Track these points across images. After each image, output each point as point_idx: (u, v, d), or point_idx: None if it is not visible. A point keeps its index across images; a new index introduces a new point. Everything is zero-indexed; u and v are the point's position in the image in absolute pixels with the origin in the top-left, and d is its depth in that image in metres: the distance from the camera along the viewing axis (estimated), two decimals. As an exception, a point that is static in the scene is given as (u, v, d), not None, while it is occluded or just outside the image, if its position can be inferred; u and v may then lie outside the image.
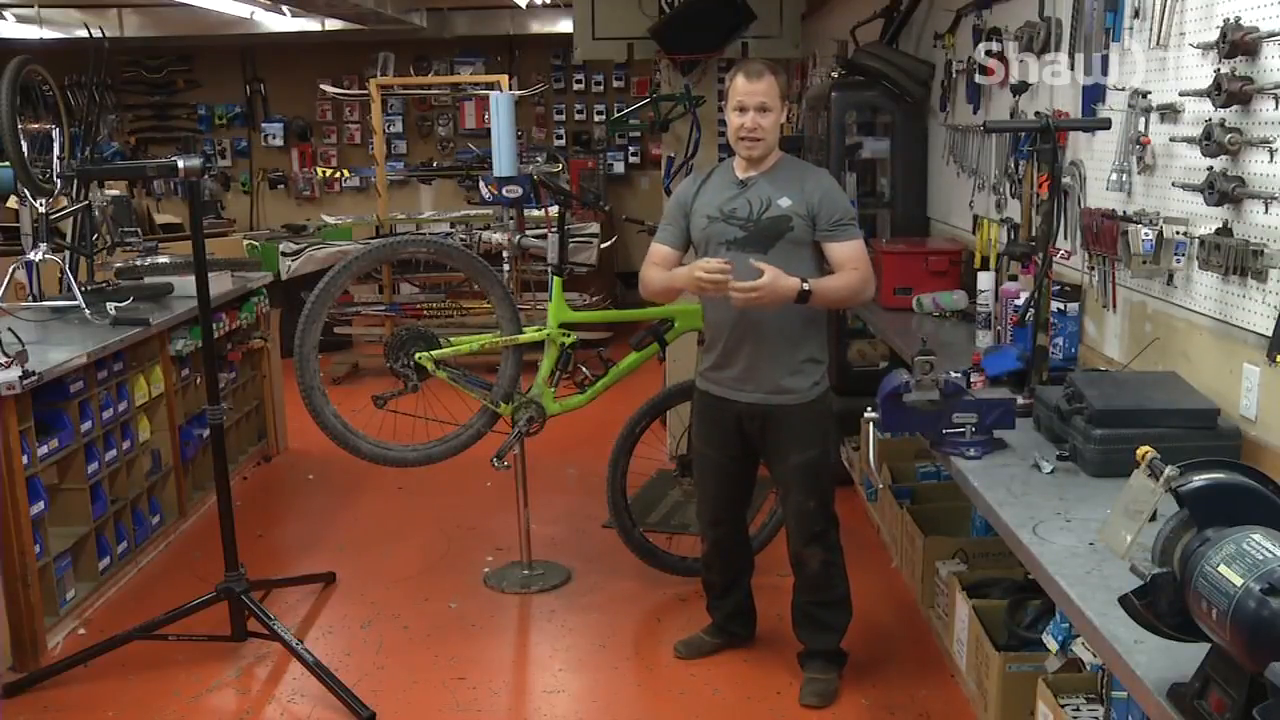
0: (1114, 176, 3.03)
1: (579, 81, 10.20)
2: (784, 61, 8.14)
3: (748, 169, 3.37)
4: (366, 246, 4.37)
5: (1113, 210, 3.06)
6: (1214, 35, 2.50)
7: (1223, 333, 2.63)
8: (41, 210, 4.53)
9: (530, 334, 4.15)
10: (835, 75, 5.38)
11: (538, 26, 9.61)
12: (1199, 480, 1.66)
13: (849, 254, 3.31)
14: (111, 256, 5.45)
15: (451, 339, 4.14)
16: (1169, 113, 2.79)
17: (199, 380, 5.05)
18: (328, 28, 8.89)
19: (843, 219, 3.34)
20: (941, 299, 4.25)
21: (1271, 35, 2.35)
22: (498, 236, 7.16)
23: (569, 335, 4.16)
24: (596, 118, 10.21)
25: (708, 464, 3.59)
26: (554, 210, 4.83)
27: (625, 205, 9.76)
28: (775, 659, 3.68)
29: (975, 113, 4.34)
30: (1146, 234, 2.81)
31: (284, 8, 8.12)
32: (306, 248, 7.40)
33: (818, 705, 3.43)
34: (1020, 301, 3.24)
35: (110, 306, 4.55)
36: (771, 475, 3.54)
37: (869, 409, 2.95)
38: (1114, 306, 3.19)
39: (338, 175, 10.16)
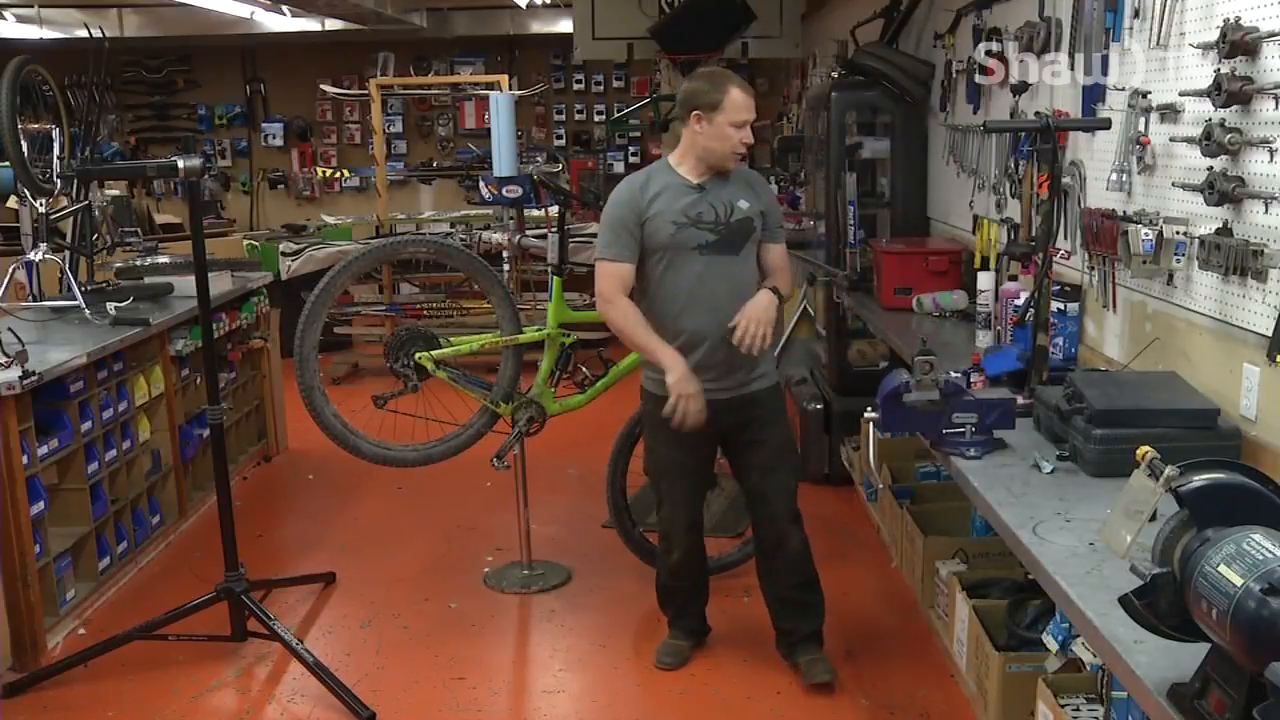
0: (1114, 176, 3.03)
1: (579, 81, 10.21)
2: (784, 61, 8.16)
3: (702, 173, 3.36)
4: (366, 246, 4.37)
5: (1113, 210, 3.06)
6: (1214, 35, 2.50)
7: (1223, 333, 2.63)
8: (41, 210, 4.53)
9: (530, 334, 4.15)
10: (835, 75, 5.38)
11: (538, 26, 9.62)
12: (1199, 480, 1.66)
13: (782, 253, 3.54)
14: (111, 256, 5.46)
15: (451, 339, 4.14)
16: (1169, 113, 2.79)
17: (199, 380, 5.05)
18: (328, 28, 8.89)
19: (782, 222, 3.59)
20: (941, 299, 4.25)
21: (1271, 35, 2.35)
22: (498, 236, 7.16)
23: (569, 335, 4.16)
24: (596, 118, 10.22)
25: (679, 470, 3.54)
26: (554, 210, 4.84)
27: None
28: (775, 659, 3.67)
29: (975, 113, 4.34)
30: (1146, 234, 2.81)
31: (284, 8, 8.12)
32: (306, 248, 7.40)
33: (830, 681, 3.47)
34: (1020, 301, 3.25)
35: (110, 306, 4.55)
36: (746, 464, 3.52)
37: (869, 409, 2.95)
38: (1114, 306, 3.19)
39: (338, 175, 10.16)
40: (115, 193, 6.00)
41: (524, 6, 8.91)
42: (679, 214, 3.32)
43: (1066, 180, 3.35)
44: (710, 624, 3.80)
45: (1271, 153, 2.36)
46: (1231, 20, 2.43)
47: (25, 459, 3.68)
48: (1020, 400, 2.92)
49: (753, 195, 3.39)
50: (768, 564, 3.60)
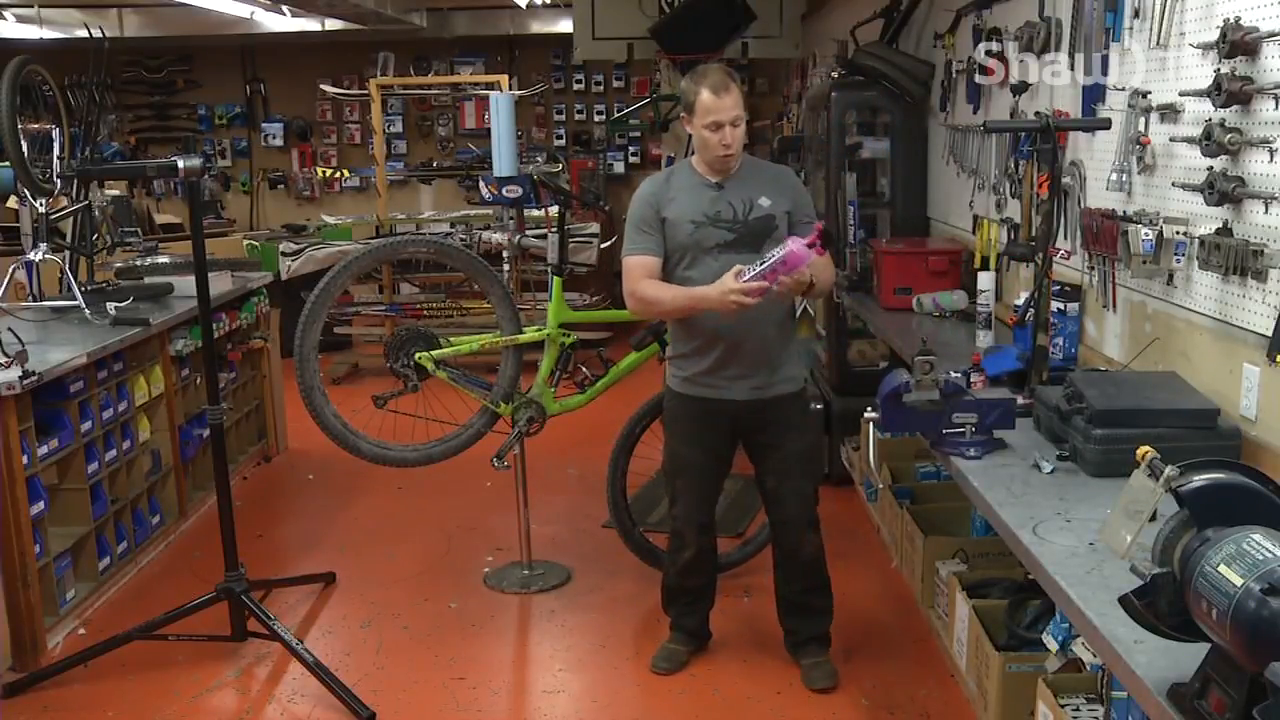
0: (1114, 176, 3.03)
1: (579, 81, 10.21)
2: (784, 61, 8.16)
3: (718, 171, 3.35)
4: (366, 246, 4.37)
5: (1113, 210, 3.06)
6: (1214, 35, 2.50)
7: (1223, 333, 2.63)
8: (41, 210, 4.53)
9: (530, 334, 4.15)
10: (835, 75, 5.38)
11: (538, 26, 9.62)
12: (1199, 480, 1.66)
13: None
14: (111, 256, 5.45)
15: (451, 339, 4.14)
16: (1169, 113, 2.79)
17: (199, 380, 5.05)
18: (328, 28, 8.89)
19: (811, 215, 3.45)
20: (941, 299, 4.25)
21: (1271, 35, 2.35)
22: (498, 236, 7.16)
23: (569, 335, 4.17)
24: (596, 118, 10.21)
25: (695, 469, 3.52)
26: (554, 210, 4.84)
27: (625, 205, 9.72)
28: (775, 659, 3.68)
29: (975, 113, 4.34)
30: (1146, 234, 2.81)
31: (284, 8, 8.12)
32: (306, 248, 7.40)
33: (830, 686, 3.48)
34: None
35: (110, 306, 4.55)
36: (764, 468, 3.51)
37: (869, 409, 2.95)
38: (1114, 306, 3.19)
39: (338, 175, 10.16)
40: (115, 193, 5.99)
41: (524, 6, 8.91)
42: (698, 213, 3.31)
43: (1066, 180, 3.35)
44: (711, 629, 3.78)
45: (1271, 153, 2.36)
46: (1231, 20, 2.44)
47: (25, 459, 3.68)
48: (1020, 400, 2.92)
49: (776, 192, 3.35)
50: (780, 566, 3.61)
